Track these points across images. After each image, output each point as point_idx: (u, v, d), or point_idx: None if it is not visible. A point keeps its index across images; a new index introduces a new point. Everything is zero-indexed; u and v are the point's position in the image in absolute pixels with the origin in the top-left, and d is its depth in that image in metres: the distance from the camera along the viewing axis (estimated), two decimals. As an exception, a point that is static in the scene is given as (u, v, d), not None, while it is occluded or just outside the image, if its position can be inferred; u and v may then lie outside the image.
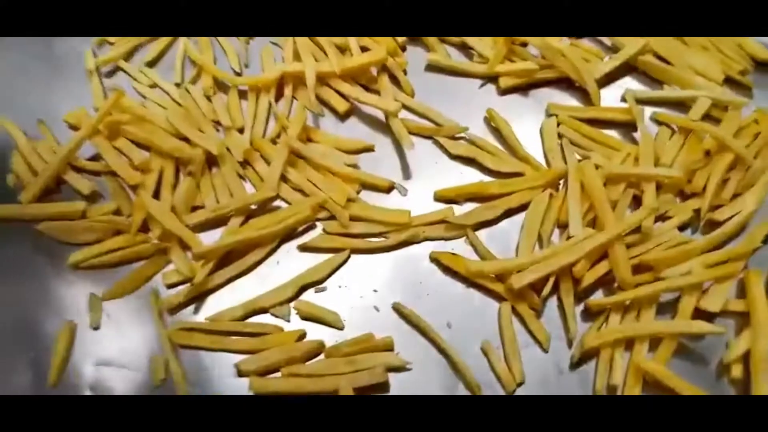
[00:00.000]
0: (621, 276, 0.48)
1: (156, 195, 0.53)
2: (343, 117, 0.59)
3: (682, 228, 0.52)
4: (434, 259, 0.51)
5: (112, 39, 0.63)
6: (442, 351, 0.47)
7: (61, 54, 0.64)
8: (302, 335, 0.48)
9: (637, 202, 0.53)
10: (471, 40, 0.62)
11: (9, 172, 0.55)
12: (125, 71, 0.62)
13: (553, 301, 0.49)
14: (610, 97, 0.61)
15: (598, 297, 0.49)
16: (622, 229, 0.48)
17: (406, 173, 0.56)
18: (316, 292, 0.50)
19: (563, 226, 0.52)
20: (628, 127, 0.58)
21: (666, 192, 0.53)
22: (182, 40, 0.63)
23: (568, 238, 0.50)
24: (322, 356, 0.47)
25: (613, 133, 0.58)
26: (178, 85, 0.61)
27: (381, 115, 0.59)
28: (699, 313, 0.47)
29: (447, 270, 0.51)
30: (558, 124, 0.57)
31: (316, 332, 0.48)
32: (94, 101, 0.59)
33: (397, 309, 0.49)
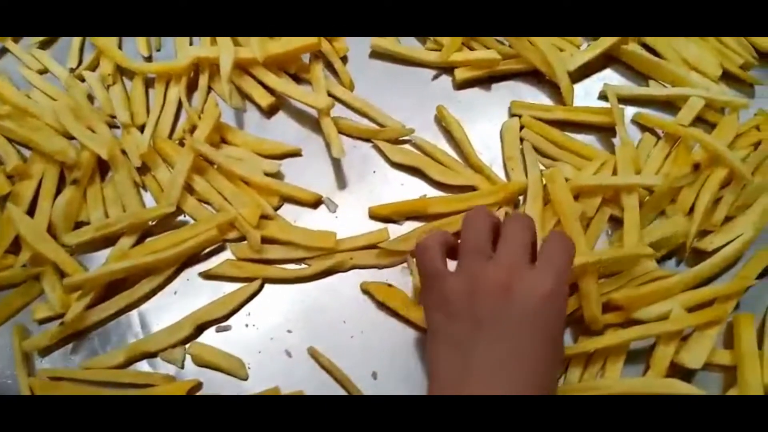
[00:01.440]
0: (590, 314, 0.39)
1: (34, 205, 0.44)
2: (268, 113, 0.50)
3: (662, 258, 0.43)
4: (365, 292, 0.42)
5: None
6: (364, 408, 0.39)
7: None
8: (196, 386, 0.40)
9: (614, 224, 0.44)
10: (424, 23, 0.52)
11: None
12: (11, 52, 0.52)
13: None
14: (586, 94, 0.51)
15: (557, 343, 0.41)
16: (597, 258, 0.40)
17: (341, 182, 0.47)
18: (217, 331, 0.41)
19: (520, 253, 0.43)
20: (606, 131, 0.49)
21: (646, 212, 0.44)
22: (83, 17, 0.53)
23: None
24: (217, 414, 0.39)
25: (588, 139, 0.49)
26: (73, 70, 0.51)
27: (314, 111, 0.50)
28: (677, 366, 0.39)
29: (381, 306, 0.42)
30: (521, 127, 0.48)
31: (214, 382, 0.40)
32: (-31, 89, 0.50)
33: (313, 355, 0.40)
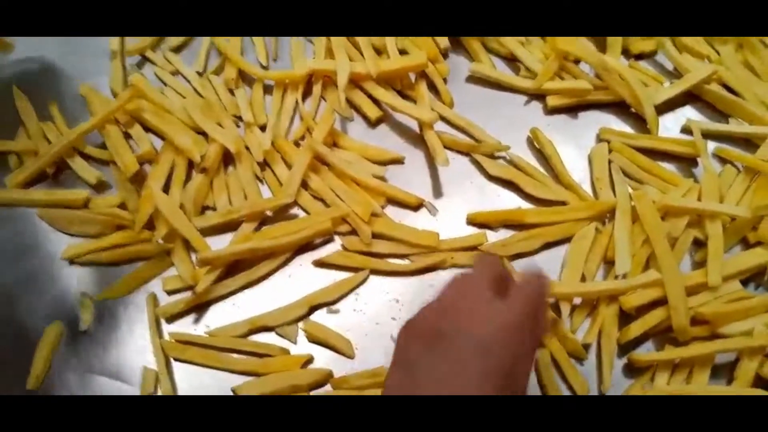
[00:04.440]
0: (679, 324, 0.42)
1: (165, 191, 0.49)
2: (373, 124, 0.55)
3: (743, 282, 0.46)
4: (462, 289, 0.46)
5: (136, 20, 0.59)
6: (462, 394, 0.42)
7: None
8: (309, 360, 0.43)
9: (696, 246, 0.48)
10: (519, 52, 0.57)
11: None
12: (147, 58, 0.58)
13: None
14: (668, 127, 0.55)
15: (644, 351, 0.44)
16: (684, 281, 0.43)
17: (437, 191, 0.51)
18: (328, 313, 0.45)
19: (609, 263, 0.47)
20: (687, 161, 0.53)
21: (728, 238, 0.47)
22: (210, 28, 0.59)
23: (615, 278, 0.45)
24: (328, 387, 0.42)
25: (670, 167, 0.52)
26: (200, 74, 0.57)
27: (414, 126, 0.54)
28: (759, 380, 0.42)
29: (475, 303, 0.46)
30: (609, 151, 0.52)
31: (324, 358, 0.44)
32: (111, 83, 0.55)
33: (417, 342, 0.44)
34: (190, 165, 0.51)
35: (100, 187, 0.50)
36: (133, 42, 0.58)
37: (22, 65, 0.57)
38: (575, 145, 0.54)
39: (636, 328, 0.43)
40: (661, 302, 0.44)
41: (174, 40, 0.59)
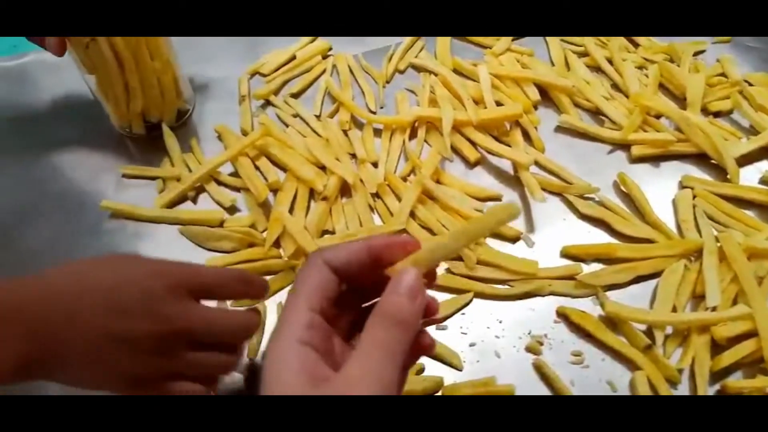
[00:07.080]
0: (769, 356, 0.45)
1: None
2: (472, 165, 0.61)
3: (830, 319, 0.49)
4: (561, 314, 0.50)
5: (263, 71, 0.68)
6: (564, 409, 0.45)
7: (215, 76, 0.69)
8: (420, 370, 0.47)
9: (779, 285, 0.51)
10: (604, 107, 0.63)
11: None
12: (271, 102, 0.66)
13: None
14: (747, 178, 0.59)
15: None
16: None
17: (531, 226, 0.56)
18: (436, 329, 0.50)
19: (698, 297, 0.50)
20: (764, 209, 0.56)
21: (812, 280, 0.50)
22: (325, 78, 0.67)
23: (705, 310, 0.48)
24: (439, 393, 0.46)
25: (751, 214, 0.56)
26: (317, 116, 0.64)
27: (508, 169, 0.60)
28: None
29: (573, 327, 0.49)
30: (693, 197, 0.56)
31: (433, 369, 0.48)
32: (241, 123, 0.64)
33: (530, 350, 0.48)
34: (310, 193, 0.57)
35: (232, 209, 0.57)
36: (258, 88, 0.66)
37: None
38: (658, 192, 0.58)
39: (728, 358, 0.46)
40: (751, 335, 0.47)
41: (293, 87, 0.67)
